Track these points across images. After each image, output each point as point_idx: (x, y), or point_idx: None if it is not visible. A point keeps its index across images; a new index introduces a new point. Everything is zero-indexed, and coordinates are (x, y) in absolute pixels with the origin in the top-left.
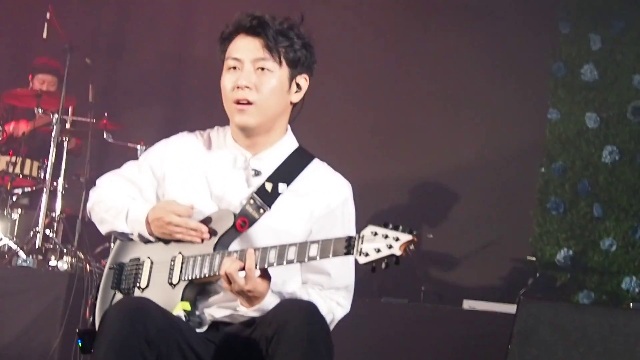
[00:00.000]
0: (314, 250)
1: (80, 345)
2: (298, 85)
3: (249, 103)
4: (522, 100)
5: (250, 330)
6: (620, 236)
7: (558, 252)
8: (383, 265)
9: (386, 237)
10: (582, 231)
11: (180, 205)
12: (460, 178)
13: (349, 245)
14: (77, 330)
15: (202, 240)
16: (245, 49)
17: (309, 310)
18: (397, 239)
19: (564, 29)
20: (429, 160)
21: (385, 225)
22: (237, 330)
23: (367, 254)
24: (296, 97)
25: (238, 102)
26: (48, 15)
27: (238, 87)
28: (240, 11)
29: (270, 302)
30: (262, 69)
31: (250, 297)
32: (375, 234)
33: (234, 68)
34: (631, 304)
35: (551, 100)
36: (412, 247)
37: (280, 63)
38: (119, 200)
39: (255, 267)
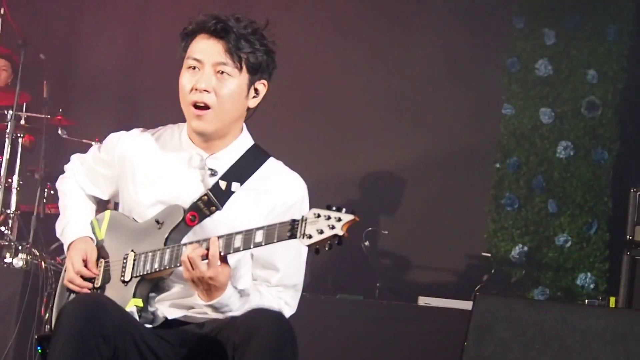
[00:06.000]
0: (259, 236)
1: (39, 351)
2: (256, 90)
3: (206, 107)
4: (477, 96)
5: (214, 332)
6: (574, 232)
7: (513, 248)
8: (327, 247)
9: (328, 218)
10: (537, 227)
11: (84, 269)
12: (415, 174)
13: (292, 229)
14: (36, 336)
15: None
16: (207, 51)
17: (277, 319)
18: (339, 220)
19: (518, 24)
20: (383, 157)
21: (328, 208)
22: (194, 330)
23: (310, 236)
24: (253, 102)
25: (195, 105)
26: (2, 10)
27: (196, 89)
28: (204, 11)
29: (229, 296)
30: (222, 72)
31: (210, 287)
32: (318, 215)
33: (194, 68)
34: (586, 300)
35: (505, 96)
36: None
37: (240, 69)
38: (72, 207)
39: (220, 253)
